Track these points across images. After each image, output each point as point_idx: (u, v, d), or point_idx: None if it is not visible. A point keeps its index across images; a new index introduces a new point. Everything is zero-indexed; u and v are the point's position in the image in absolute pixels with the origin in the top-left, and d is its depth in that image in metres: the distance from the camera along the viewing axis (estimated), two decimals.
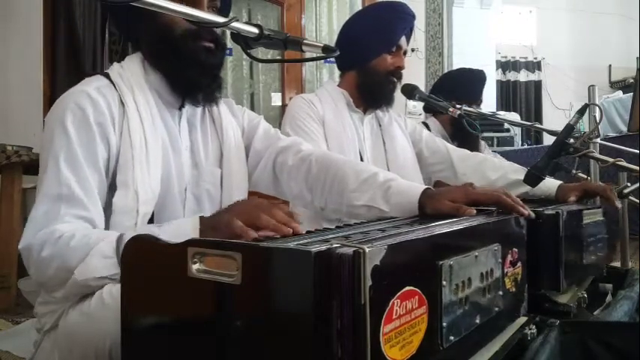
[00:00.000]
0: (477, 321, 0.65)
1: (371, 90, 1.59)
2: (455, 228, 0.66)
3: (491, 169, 1.51)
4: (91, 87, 0.93)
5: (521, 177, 1.34)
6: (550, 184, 1.35)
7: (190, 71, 0.99)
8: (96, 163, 0.89)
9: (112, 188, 0.91)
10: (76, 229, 0.82)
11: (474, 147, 1.93)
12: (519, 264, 0.79)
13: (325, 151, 1.22)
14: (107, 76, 0.99)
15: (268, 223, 0.70)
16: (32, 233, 0.82)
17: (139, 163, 0.91)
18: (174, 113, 1.04)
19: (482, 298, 0.66)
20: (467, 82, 2.26)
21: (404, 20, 1.59)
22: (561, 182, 1.37)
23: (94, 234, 0.81)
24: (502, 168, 1.50)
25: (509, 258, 0.75)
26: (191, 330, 0.52)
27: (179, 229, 0.80)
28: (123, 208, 0.88)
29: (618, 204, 1.30)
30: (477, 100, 2.20)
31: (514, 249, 0.77)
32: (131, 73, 1.00)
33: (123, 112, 0.94)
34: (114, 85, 0.96)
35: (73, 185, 0.85)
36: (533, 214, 0.84)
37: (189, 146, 1.05)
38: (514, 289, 0.77)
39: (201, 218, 0.80)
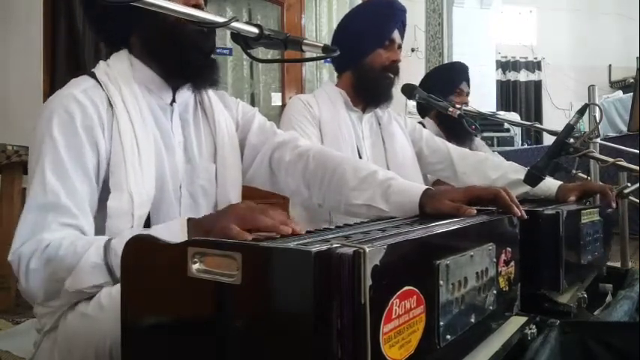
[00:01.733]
0: (472, 320, 0.65)
1: (367, 87, 1.59)
2: (451, 228, 0.66)
3: (491, 168, 1.51)
4: (78, 90, 0.91)
5: (522, 177, 1.34)
6: (550, 184, 1.35)
7: (191, 55, 0.98)
8: (85, 169, 0.87)
9: (105, 192, 0.89)
10: (63, 238, 0.80)
11: (463, 145, 1.92)
12: (512, 263, 0.79)
13: (323, 148, 1.21)
14: (93, 75, 0.96)
15: (267, 224, 0.68)
16: (19, 244, 0.81)
17: (131, 165, 0.89)
18: (166, 109, 1.02)
19: (478, 298, 0.66)
20: (437, 77, 2.26)
21: (395, 15, 1.59)
22: (561, 182, 1.37)
23: (81, 241, 0.79)
24: (502, 167, 1.50)
25: (502, 257, 0.75)
26: (191, 330, 0.52)
27: (168, 231, 0.76)
28: (117, 211, 0.87)
29: (613, 204, 1.30)
30: (452, 90, 2.18)
31: (507, 248, 0.77)
32: (118, 71, 0.97)
33: (112, 113, 0.91)
34: (101, 85, 0.94)
35: (59, 193, 0.83)
36: (525, 215, 0.84)
37: (182, 142, 1.03)
38: (507, 289, 0.77)
39: (190, 220, 0.77)
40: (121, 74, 0.97)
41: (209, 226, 0.73)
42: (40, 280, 0.79)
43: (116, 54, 1.02)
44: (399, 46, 1.62)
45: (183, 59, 0.98)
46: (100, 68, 0.98)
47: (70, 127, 0.87)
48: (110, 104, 0.92)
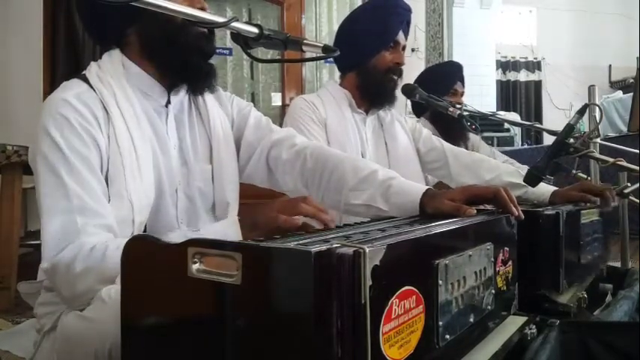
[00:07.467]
0: (471, 320, 0.65)
1: (371, 89, 1.58)
2: (450, 228, 0.66)
3: (486, 169, 1.50)
4: (70, 94, 0.88)
5: (516, 180, 1.34)
6: (544, 190, 1.33)
7: (193, 57, 0.97)
8: (93, 168, 0.86)
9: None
10: (107, 239, 0.80)
11: (459, 146, 1.92)
12: (510, 263, 0.79)
13: (320, 145, 1.20)
14: (85, 78, 0.93)
15: (308, 210, 0.73)
16: (55, 250, 0.79)
17: (130, 172, 0.88)
18: (161, 112, 1.00)
19: (476, 297, 0.67)
20: (431, 77, 2.24)
21: (399, 15, 1.57)
22: (556, 188, 1.35)
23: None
24: (497, 169, 1.49)
25: (500, 257, 0.75)
26: (191, 330, 0.52)
27: (217, 234, 0.82)
28: (117, 218, 0.86)
29: (611, 204, 1.29)
30: (447, 91, 2.17)
31: (505, 248, 0.77)
32: (110, 73, 0.95)
33: (107, 118, 0.90)
34: (94, 90, 0.91)
35: (82, 195, 0.82)
36: (522, 216, 0.84)
37: (177, 144, 1.01)
38: (505, 288, 0.77)
39: (241, 220, 0.81)
40: (114, 77, 0.94)
41: (256, 221, 0.76)
42: (87, 282, 0.77)
43: (108, 54, 0.99)
44: (403, 48, 1.60)
45: (185, 61, 0.97)
46: (92, 71, 0.95)
47: (68, 129, 0.85)
48: (105, 109, 0.90)
